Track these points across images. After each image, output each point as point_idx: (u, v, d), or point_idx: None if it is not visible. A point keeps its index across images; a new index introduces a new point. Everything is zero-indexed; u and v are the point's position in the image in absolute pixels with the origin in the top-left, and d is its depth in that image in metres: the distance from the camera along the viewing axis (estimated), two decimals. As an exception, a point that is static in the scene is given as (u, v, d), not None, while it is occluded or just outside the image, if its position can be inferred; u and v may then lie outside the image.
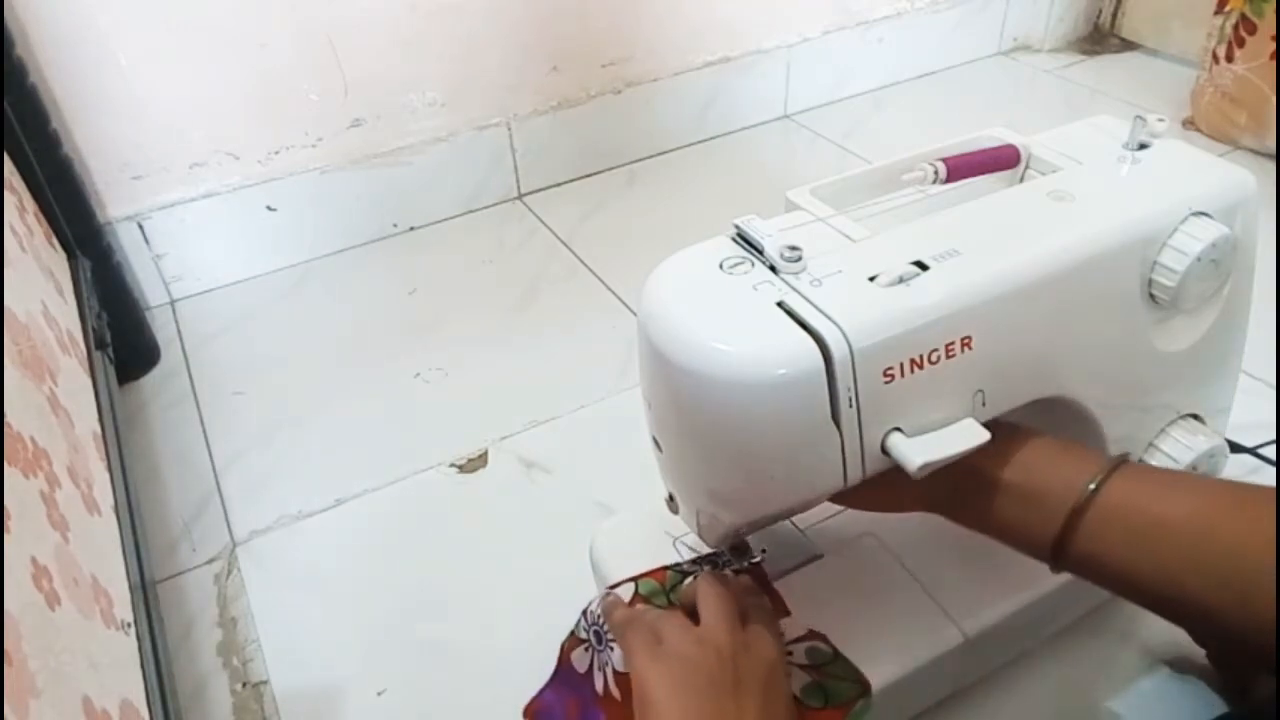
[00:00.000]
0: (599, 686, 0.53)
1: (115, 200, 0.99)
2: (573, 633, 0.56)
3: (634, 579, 0.54)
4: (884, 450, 0.42)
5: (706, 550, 0.55)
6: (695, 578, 0.54)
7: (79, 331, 0.78)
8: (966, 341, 0.42)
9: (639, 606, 0.51)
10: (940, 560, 0.59)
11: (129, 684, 0.53)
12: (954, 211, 0.46)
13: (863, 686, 0.51)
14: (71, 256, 0.88)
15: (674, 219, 1.16)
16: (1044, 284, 0.43)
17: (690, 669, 0.45)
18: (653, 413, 0.47)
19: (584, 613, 0.55)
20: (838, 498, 0.48)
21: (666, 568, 0.55)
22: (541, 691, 0.57)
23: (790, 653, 0.52)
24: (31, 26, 0.87)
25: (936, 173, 0.49)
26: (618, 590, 0.54)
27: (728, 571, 0.54)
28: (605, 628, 0.53)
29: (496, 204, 1.20)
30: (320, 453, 0.85)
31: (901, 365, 0.40)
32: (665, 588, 0.54)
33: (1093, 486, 0.42)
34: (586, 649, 0.54)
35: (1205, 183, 0.47)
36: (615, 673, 0.52)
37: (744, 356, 0.39)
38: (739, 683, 0.45)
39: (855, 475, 0.43)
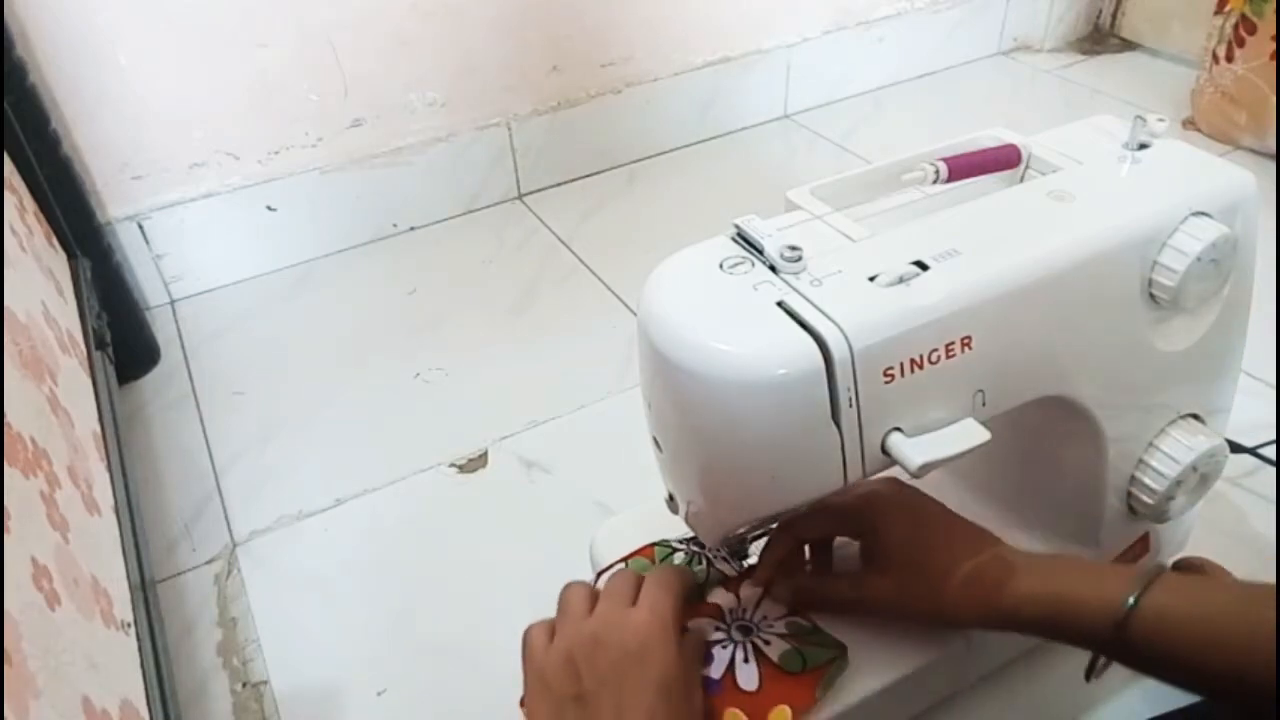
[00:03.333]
0: None
1: (115, 200, 0.99)
2: None
3: (624, 559, 0.56)
4: (884, 450, 0.42)
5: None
6: (684, 554, 0.55)
7: (79, 331, 0.78)
8: (966, 341, 0.42)
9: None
10: (940, 560, 0.59)
11: (129, 684, 0.53)
12: (954, 211, 0.46)
13: (838, 649, 0.51)
14: (71, 256, 0.88)
15: (674, 219, 1.16)
16: (1044, 284, 0.43)
17: (538, 678, 0.44)
18: (653, 413, 0.47)
19: None
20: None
21: (654, 544, 0.56)
22: None
23: (771, 625, 0.53)
24: (31, 26, 0.87)
25: (937, 173, 0.49)
26: (610, 572, 0.55)
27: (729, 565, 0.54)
28: None
29: (496, 204, 1.20)
30: (320, 453, 0.85)
31: (901, 365, 0.40)
32: (655, 562, 0.55)
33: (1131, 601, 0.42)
34: None
35: (1205, 183, 0.47)
36: None
37: (744, 356, 0.39)
38: (584, 692, 0.42)
39: (855, 475, 0.43)
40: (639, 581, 0.46)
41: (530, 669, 0.45)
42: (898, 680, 0.53)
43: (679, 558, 0.56)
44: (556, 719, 0.42)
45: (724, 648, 0.50)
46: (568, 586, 0.48)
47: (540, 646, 0.45)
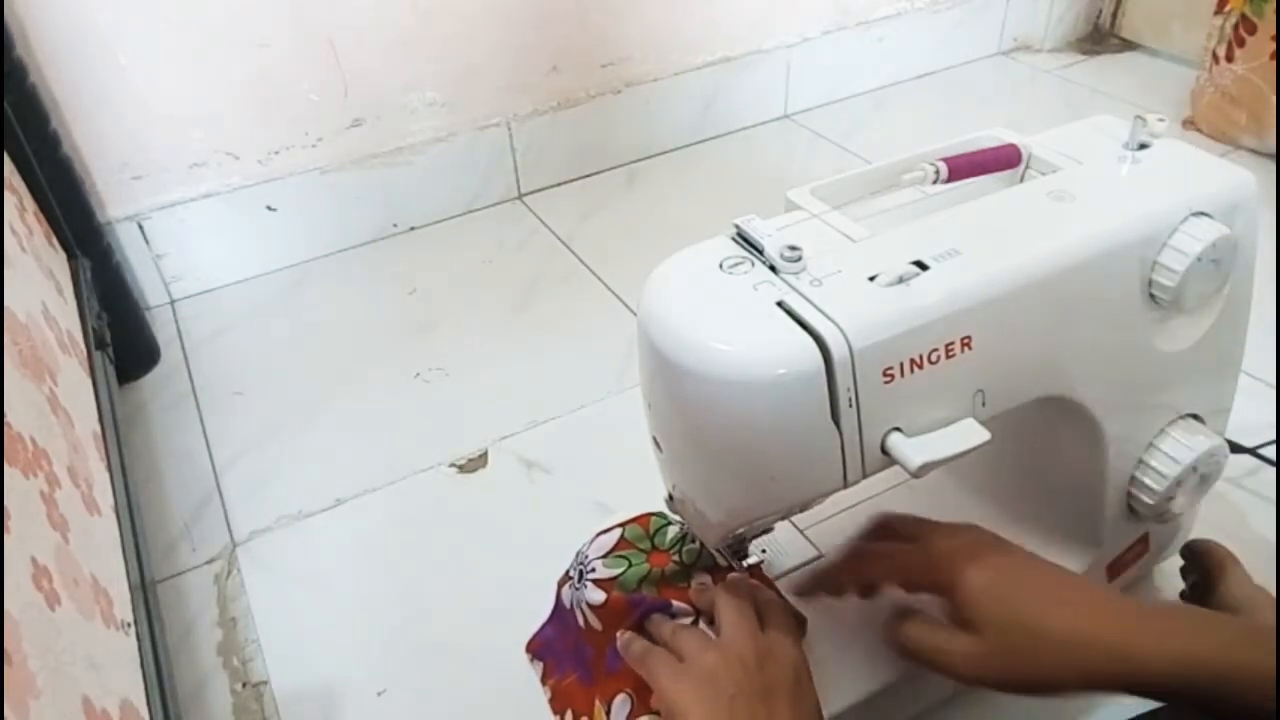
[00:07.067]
0: (580, 622, 0.56)
1: (115, 200, 0.99)
2: (567, 571, 0.59)
3: (620, 524, 0.57)
4: (884, 450, 0.42)
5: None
6: (678, 528, 0.56)
7: (79, 331, 0.78)
8: (966, 341, 0.42)
9: (662, 620, 0.53)
10: (940, 560, 0.59)
11: (129, 684, 0.53)
12: (954, 211, 0.46)
13: (799, 621, 0.54)
14: (71, 256, 0.88)
15: (674, 219, 1.16)
16: (1044, 284, 0.43)
17: (716, 680, 0.45)
18: (653, 413, 0.47)
19: (577, 553, 0.58)
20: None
21: (651, 514, 0.57)
22: (541, 628, 0.61)
23: None
24: (31, 26, 0.87)
25: (937, 173, 0.49)
26: (605, 535, 0.58)
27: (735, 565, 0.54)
28: (589, 567, 0.56)
29: (496, 204, 1.20)
30: (320, 453, 0.85)
31: (901, 365, 0.40)
32: (649, 532, 0.57)
33: None
34: (570, 585, 0.58)
35: (1205, 183, 0.47)
36: (590, 606, 0.55)
37: (744, 356, 0.39)
38: (768, 690, 0.45)
39: (855, 475, 0.43)
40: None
41: (697, 670, 0.47)
42: (898, 680, 0.53)
43: (673, 530, 0.57)
44: (745, 710, 0.44)
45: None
46: (727, 593, 0.51)
47: (708, 652, 0.47)
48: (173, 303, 1.06)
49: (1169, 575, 0.66)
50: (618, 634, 0.53)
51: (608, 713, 0.53)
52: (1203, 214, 0.46)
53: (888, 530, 0.52)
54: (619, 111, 1.23)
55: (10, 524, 0.43)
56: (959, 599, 0.44)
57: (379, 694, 0.64)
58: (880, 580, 0.51)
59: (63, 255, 0.87)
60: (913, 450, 0.41)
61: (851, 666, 0.53)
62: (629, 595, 0.54)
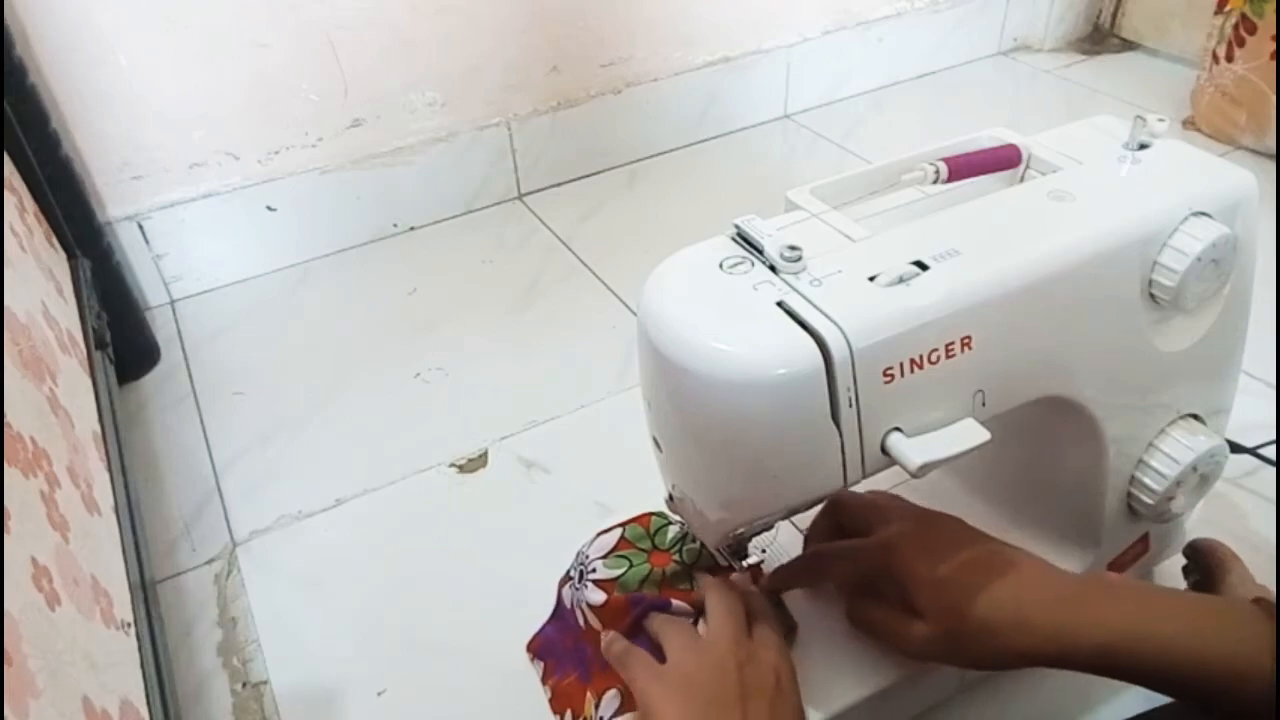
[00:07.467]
0: (580, 622, 0.56)
1: (115, 200, 0.99)
2: (567, 571, 0.60)
3: (621, 524, 0.58)
4: (884, 450, 0.42)
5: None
6: (679, 527, 0.57)
7: (79, 331, 0.78)
8: (966, 341, 0.42)
9: (656, 618, 0.53)
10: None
11: (129, 684, 0.53)
12: (954, 211, 0.46)
13: (789, 626, 0.55)
14: (71, 256, 0.88)
15: (674, 219, 1.16)
16: (1044, 284, 0.43)
17: (693, 685, 0.46)
18: (653, 413, 0.47)
19: (578, 553, 0.59)
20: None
21: (651, 514, 0.58)
22: (542, 628, 0.62)
23: None
24: (31, 26, 0.87)
25: (937, 173, 0.49)
26: (606, 535, 0.58)
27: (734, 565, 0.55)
28: (590, 567, 0.56)
29: (496, 204, 1.20)
30: (320, 453, 0.85)
31: (901, 365, 0.40)
32: (650, 532, 0.57)
33: None
34: (570, 585, 0.58)
35: (1205, 183, 0.47)
36: (590, 606, 0.55)
37: (744, 356, 0.39)
38: (745, 696, 0.45)
39: (855, 475, 0.43)
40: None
41: (675, 673, 0.47)
42: (899, 679, 0.53)
43: (674, 530, 0.57)
44: (720, 717, 0.45)
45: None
46: (715, 592, 0.51)
47: (689, 655, 0.48)
48: (173, 303, 1.06)
49: (1169, 575, 0.66)
50: (603, 633, 0.53)
51: (597, 706, 0.53)
52: (1203, 214, 0.46)
53: (842, 512, 0.54)
54: (619, 111, 1.23)
55: (10, 524, 0.43)
56: (904, 588, 0.47)
57: (379, 694, 0.64)
58: (839, 580, 0.54)
59: (63, 255, 0.87)
60: (913, 450, 0.41)
61: (852, 667, 0.53)
62: (629, 595, 0.54)
